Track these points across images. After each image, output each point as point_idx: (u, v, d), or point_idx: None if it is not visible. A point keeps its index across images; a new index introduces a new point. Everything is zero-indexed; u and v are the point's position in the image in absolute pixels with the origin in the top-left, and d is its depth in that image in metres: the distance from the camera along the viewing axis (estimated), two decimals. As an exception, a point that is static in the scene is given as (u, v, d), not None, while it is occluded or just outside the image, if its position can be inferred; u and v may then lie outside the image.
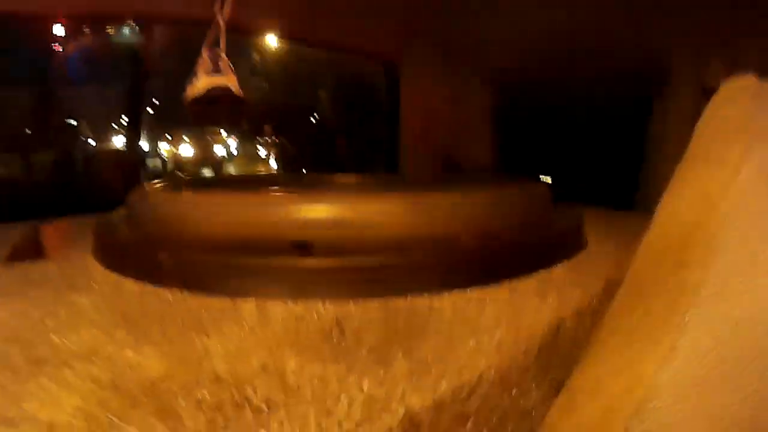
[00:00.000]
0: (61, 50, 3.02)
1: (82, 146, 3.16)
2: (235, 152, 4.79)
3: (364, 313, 0.86)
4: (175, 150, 4.47)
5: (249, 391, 0.60)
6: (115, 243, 1.21)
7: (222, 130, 4.70)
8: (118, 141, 3.21)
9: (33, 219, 1.84)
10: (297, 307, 0.87)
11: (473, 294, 0.95)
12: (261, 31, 2.69)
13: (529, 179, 1.75)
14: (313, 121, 4.32)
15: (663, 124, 2.57)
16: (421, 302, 0.90)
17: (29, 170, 2.65)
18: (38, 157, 2.80)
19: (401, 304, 0.89)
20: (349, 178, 2.02)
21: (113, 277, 1.09)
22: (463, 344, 0.75)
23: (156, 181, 1.75)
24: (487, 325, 0.82)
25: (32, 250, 1.46)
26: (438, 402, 0.61)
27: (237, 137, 4.79)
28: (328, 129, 4.33)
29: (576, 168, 2.95)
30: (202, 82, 1.84)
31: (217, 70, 1.86)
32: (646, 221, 0.95)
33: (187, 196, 1.26)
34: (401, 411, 0.57)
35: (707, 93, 1.87)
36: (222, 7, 1.97)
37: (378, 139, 3.37)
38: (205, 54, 1.95)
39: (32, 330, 0.81)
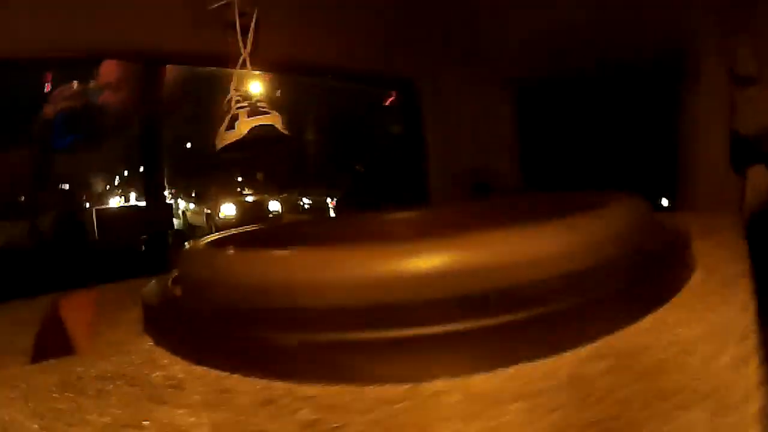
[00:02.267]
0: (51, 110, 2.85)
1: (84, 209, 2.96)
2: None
3: (580, 363, 0.67)
4: (205, 209, 4.23)
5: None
6: (193, 323, 0.95)
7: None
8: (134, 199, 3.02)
9: (49, 292, 1.60)
10: (506, 372, 0.66)
11: (656, 318, 0.80)
12: (264, 66, 2.47)
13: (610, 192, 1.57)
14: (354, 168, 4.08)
15: (694, 116, 2.42)
16: (625, 337, 0.75)
17: (34, 237, 2.39)
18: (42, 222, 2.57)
19: (612, 342, 0.73)
20: (423, 212, 1.79)
21: (204, 372, 0.78)
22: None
23: (207, 238, 1.48)
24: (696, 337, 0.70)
25: (59, 340, 1.03)
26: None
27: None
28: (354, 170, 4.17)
29: (608, 172, 2.79)
30: (244, 125, 1.65)
31: (256, 110, 1.69)
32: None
33: (286, 254, 0.96)
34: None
35: (738, 80, 1.70)
36: (245, 40, 1.80)
37: (400, 169, 3.16)
38: (234, 94, 1.77)
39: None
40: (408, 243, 0.82)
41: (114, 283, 1.70)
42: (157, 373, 0.82)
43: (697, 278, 1.00)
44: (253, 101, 1.75)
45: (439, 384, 0.66)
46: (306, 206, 5.13)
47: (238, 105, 1.72)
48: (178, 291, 1.14)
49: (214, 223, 4.43)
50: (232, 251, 1.03)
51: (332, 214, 3.71)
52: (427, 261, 0.77)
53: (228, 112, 1.75)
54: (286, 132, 1.72)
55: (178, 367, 0.83)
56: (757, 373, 0.57)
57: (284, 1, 2.15)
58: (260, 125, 1.66)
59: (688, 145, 2.47)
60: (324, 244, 1.05)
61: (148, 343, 0.99)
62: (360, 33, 2.38)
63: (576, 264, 0.83)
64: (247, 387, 0.73)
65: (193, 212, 4.59)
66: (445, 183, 2.84)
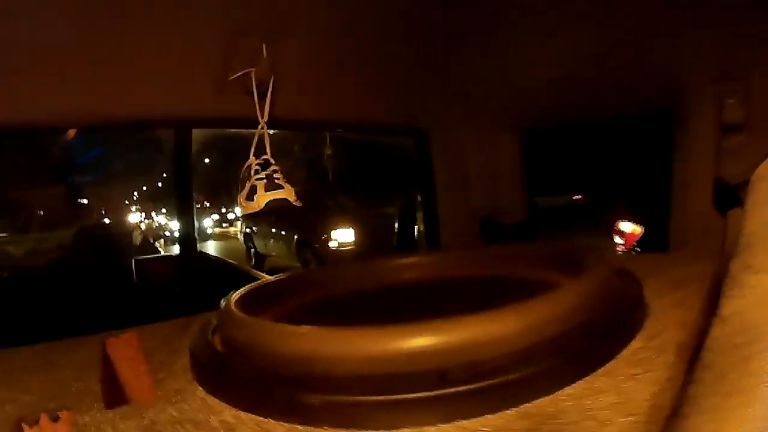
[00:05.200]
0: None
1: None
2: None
3: (507, 421, 1.03)
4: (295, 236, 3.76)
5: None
6: (241, 380, 1.26)
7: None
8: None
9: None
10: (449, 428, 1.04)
11: (579, 386, 1.13)
12: (282, 124, 2.80)
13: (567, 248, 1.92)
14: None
15: (685, 158, 2.73)
16: (551, 401, 1.08)
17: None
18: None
19: (542, 405, 1.07)
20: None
21: (249, 417, 1.15)
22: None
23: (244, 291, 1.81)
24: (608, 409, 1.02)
25: (117, 390, 1.32)
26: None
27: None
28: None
29: (606, 206, 3.10)
30: (261, 199, 1.98)
31: (272, 184, 2.00)
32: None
33: (313, 332, 1.27)
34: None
35: (725, 127, 2.09)
36: (263, 108, 2.08)
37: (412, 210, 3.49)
38: (254, 163, 2.05)
39: None
40: (398, 327, 1.20)
41: (154, 324, 2.10)
42: (214, 418, 1.20)
43: (635, 345, 1.32)
44: (269, 172, 2.02)
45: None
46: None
47: (257, 177, 2.01)
48: (220, 346, 1.51)
49: (312, 256, 3.73)
50: (270, 325, 1.42)
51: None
52: (409, 342, 1.16)
53: (248, 177, 2.05)
54: (298, 203, 2.04)
55: (229, 414, 1.21)
56: None
57: (302, 64, 2.46)
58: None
59: (679, 185, 2.78)
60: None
61: (201, 391, 1.36)
62: (374, 89, 2.73)
63: (524, 341, 1.20)
64: (280, 429, 1.12)
65: (272, 239, 3.61)
66: (455, 220, 3.23)
